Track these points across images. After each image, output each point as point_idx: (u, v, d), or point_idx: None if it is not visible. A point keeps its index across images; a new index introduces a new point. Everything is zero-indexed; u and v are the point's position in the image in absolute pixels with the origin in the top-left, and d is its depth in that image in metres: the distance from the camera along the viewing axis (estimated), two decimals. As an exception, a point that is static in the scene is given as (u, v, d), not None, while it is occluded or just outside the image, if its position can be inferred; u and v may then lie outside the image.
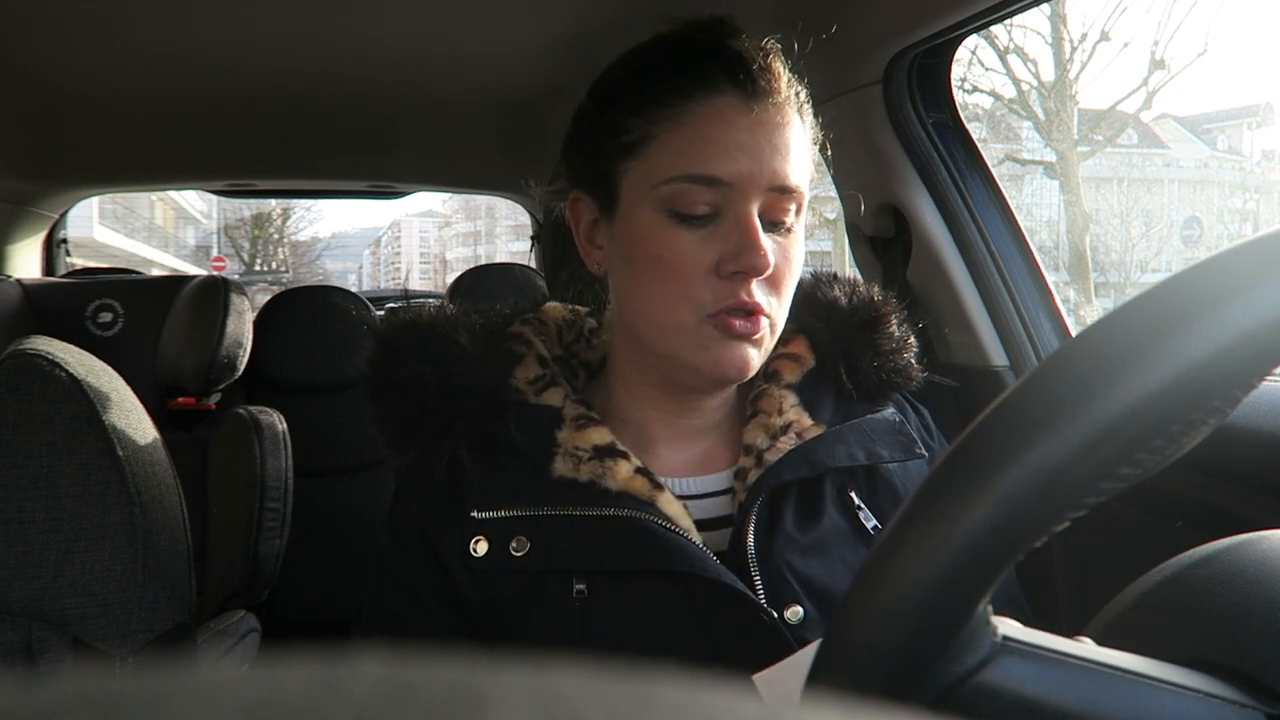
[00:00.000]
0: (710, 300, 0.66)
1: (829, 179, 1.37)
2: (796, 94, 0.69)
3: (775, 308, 0.68)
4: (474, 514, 0.68)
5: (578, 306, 0.83)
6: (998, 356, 1.19)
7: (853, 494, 0.72)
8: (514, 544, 0.67)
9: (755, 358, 0.68)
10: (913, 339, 0.80)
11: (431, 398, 0.70)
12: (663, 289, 0.67)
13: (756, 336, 0.67)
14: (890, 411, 0.76)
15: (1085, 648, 0.35)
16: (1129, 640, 0.37)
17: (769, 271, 0.65)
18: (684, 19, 0.70)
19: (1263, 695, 0.35)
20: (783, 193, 0.66)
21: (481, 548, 0.67)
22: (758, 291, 0.66)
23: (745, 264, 0.64)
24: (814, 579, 0.68)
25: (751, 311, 0.66)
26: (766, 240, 0.65)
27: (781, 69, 0.68)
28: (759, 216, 0.66)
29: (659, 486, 0.69)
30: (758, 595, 0.66)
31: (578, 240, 0.74)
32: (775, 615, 0.65)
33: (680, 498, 0.70)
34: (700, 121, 0.65)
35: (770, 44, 0.69)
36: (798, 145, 0.67)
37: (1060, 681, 0.34)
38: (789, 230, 0.68)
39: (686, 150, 0.65)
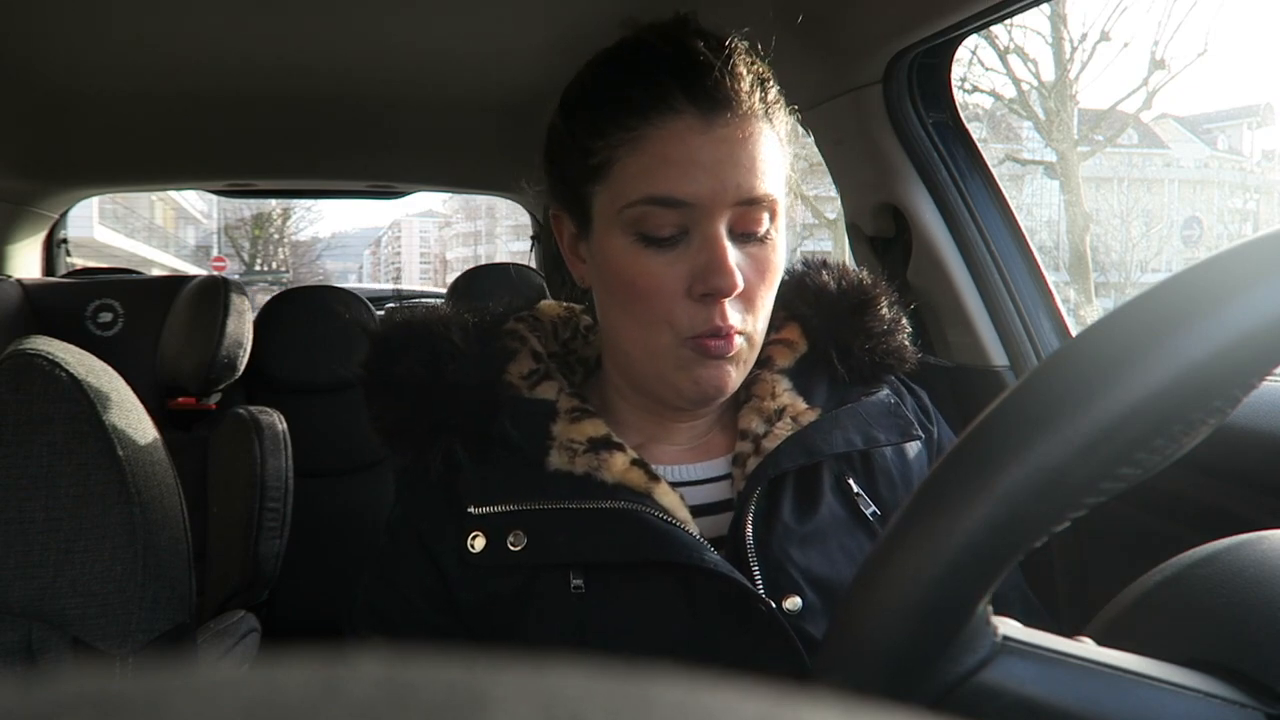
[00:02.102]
0: (686, 324, 0.65)
1: (828, 179, 1.37)
2: (763, 98, 0.67)
3: (750, 324, 0.67)
4: (470, 510, 0.68)
5: (572, 304, 0.83)
6: (998, 356, 1.19)
7: (851, 481, 0.73)
8: (511, 539, 0.67)
9: (733, 375, 0.68)
10: (905, 321, 0.79)
11: (424, 395, 0.70)
12: (639, 312, 0.67)
13: (732, 355, 0.67)
14: (885, 394, 0.76)
15: (1085, 648, 0.35)
16: (1129, 640, 0.37)
17: (740, 289, 0.65)
18: (645, 22, 0.69)
19: (1263, 695, 0.35)
20: (751, 204, 0.65)
21: (479, 543, 0.67)
22: (731, 311, 0.65)
23: (713, 286, 0.64)
24: (813, 568, 0.68)
25: (726, 333, 0.66)
26: (737, 255, 0.65)
27: (745, 73, 0.66)
28: (731, 229, 0.65)
29: (655, 478, 0.69)
30: (756, 585, 0.66)
31: (563, 253, 0.75)
32: (773, 605, 0.65)
33: (677, 485, 0.70)
34: (658, 145, 0.64)
35: (735, 44, 0.67)
36: (766, 154, 0.66)
37: (1060, 681, 0.34)
38: (764, 239, 0.67)
39: (647, 173, 0.64)
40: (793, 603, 0.66)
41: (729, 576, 0.65)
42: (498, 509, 0.68)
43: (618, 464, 0.69)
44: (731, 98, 0.65)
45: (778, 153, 0.68)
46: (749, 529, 0.68)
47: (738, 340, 0.66)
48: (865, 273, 0.81)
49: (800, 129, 0.73)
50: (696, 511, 0.70)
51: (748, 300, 0.67)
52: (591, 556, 0.66)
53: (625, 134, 0.65)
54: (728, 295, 0.64)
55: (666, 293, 0.65)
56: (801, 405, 0.74)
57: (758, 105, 0.66)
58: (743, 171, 0.64)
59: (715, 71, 0.64)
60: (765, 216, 0.66)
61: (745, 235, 0.66)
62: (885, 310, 0.78)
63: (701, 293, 0.65)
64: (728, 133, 0.64)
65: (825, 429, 0.71)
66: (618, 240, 0.66)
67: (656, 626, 0.66)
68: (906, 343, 0.78)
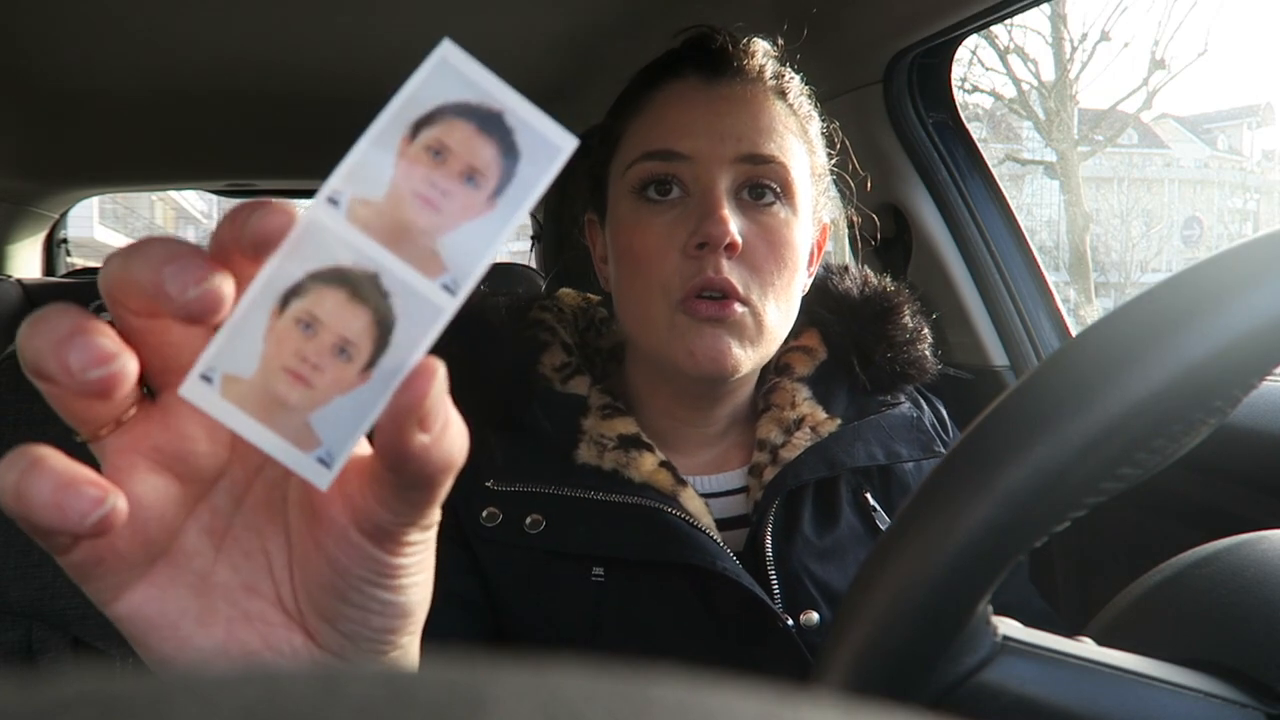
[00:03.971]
0: (678, 283, 0.64)
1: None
2: (777, 77, 0.68)
3: (754, 291, 0.65)
4: (488, 485, 0.67)
5: (590, 295, 0.83)
6: (998, 356, 1.18)
7: (868, 495, 0.71)
8: (529, 519, 0.66)
9: (733, 347, 0.65)
10: (927, 331, 0.78)
11: (459, 373, 0.71)
12: (637, 279, 0.66)
13: (729, 320, 0.64)
14: (907, 407, 0.75)
15: (1085, 648, 0.35)
16: (1129, 640, 0.37)
17: (732, 244, 0.63)
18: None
19: (1263, 695, 0.35)
20: (754, 162, 0.65)
21: (493, 517, 0.66)
22: (730, 270, 0.63)
23: (705, 233, 0.62)
24: (831, 584, 0.67)
25: (723, 293, 0.63)
26: (741, 221, 0.64)
27: (756, 50, 0.68)
28: (736, 194, 0.65)
29: (682, 482, 0.68)
30: (774, 599, 0.65)
31: (595, 262, 0.75)
32: (790, 620, 0.64)
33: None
34: (659, 105, 0.67)
35: (751, 39, 0.69)
36: (773, 122, 0.66)
37: (1060, 681, 0.34)
38: (772, 208, 0.66)
39: (648, 132, 0.66)
40: (809, 618, 0.65)
41: (748, 589, 0.64)
42: (517, 488, 0.67)
43: (647, 464, 0.68)
44: (735, 61, 0.67)
45: (793, 129, 0.68)
46: (768, 540, 0.66)
47: (737, 307, 0.64)
48: (887, 280, 0.80)
49: (830, 138, 0.75)
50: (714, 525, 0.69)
51: (752, 267, 0.65)
52: (612, 550, 0.65)
53: (635, 105, 0.68)
54: (720, 244, 0.63)
55: (661, 253, 0.65)
56: (821, 415, 0.72)
57: (768, 78, 0.68)
58: (743, 127, 0.65)
59: (722, 39, 0.67)
60: (773, 183, 0.66)
61: (751, 199, 0.66)
62: (908, 319, 0.76)
63: (697, 244, 0.63)
64: (729, 92, 0.66)
65: (847, 441, 0.70)
66: (623, 206, 0.67)
67: (672, 627, 0.65)
68: (927, 353, 0.77)
